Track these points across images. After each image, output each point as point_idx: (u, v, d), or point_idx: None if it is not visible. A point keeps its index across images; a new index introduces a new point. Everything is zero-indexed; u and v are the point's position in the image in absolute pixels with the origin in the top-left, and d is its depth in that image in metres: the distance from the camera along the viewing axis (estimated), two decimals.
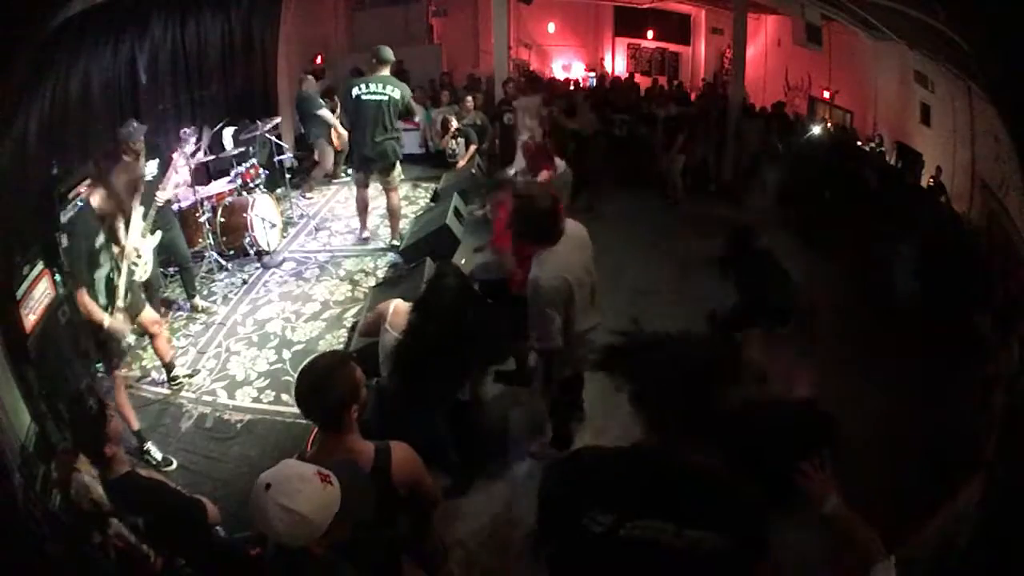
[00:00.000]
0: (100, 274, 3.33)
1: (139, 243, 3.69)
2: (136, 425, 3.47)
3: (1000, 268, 3.51)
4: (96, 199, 3.37)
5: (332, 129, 6.72)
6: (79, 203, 3.61)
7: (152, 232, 3.92)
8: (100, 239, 3.27)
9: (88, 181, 3.66)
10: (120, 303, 3.39)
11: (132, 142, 3.99)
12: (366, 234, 5.95)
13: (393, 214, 5.66)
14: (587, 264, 2.91)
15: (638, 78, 9.96)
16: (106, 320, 3.31)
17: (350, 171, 7.47)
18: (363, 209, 5.78)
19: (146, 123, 4.27)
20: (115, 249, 3.46)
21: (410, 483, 1.86)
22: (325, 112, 6.60)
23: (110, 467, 2.28)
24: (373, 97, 5.00)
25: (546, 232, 2.74)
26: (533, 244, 2.82)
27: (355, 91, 5.03)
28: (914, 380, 3.55)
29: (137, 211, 3.73)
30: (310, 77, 6.85)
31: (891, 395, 3.49)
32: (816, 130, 6.39)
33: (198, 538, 2.27)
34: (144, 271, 3.76)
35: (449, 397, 2.94)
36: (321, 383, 1.76)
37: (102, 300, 3.36)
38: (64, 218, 3.52)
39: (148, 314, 3.71)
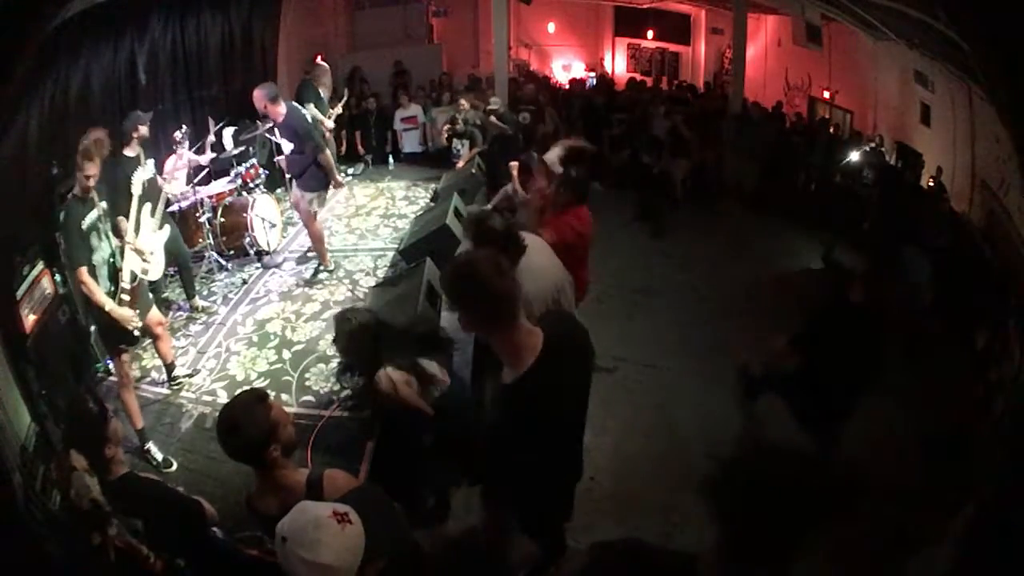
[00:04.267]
0: (99, 257, 3.30)
1: (150, 239, 3.67)
2: (140, 424, 3.47)
3: (1000, 269, 3.51)
4: (76, 184, 3.33)
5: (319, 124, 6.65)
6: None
7: (160, 228, 3.92)
8: (89, 218, 3.24)
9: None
10: (125, 285, 3.35)
11: (135, 127, 3.98)
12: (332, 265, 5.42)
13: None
14: (561, 276, 2.80)
15: (638, 78, 9.95)
16: (107, 304, 3.27)
17: (350, 171, 7.51)
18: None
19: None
20: (110, 229, 3.41)
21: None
22: (311, 108, 6.54)
23: (108, 468, 2.28)
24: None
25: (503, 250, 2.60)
26: None
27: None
28: (917, 382, 3.55)
29: (145, 208, 3.72)
30: (323, 65, 6.67)
31: (893, 397, 3.49)
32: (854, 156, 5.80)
33: (196, 538, 2.27)
34: (157, 270, 3.74)
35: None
36: (235, 424, 1.73)
37: (105, 285, 3.32)
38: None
39: (154, 315, 3.70)
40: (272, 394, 3.84)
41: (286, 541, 1.34)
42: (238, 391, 2.02)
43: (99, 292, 3.26)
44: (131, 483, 2.31)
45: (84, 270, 3.22)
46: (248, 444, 1.73)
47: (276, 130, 4.93)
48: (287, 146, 4.83)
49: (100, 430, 2.29)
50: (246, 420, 1.73)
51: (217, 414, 1.87)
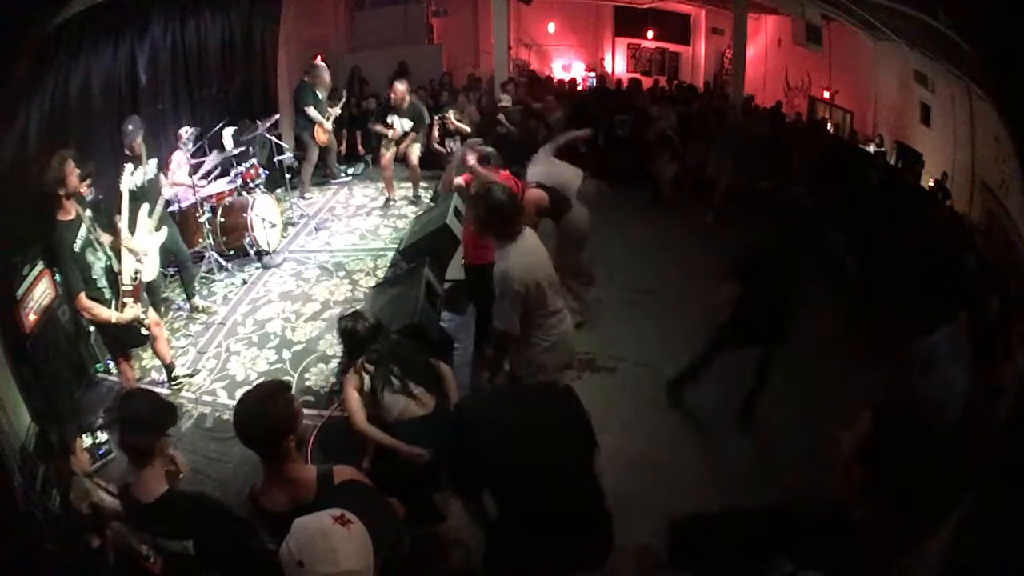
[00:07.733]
0: (98, 268, 3.30)
1: (145, 241, 3.66)
2: None
3: (1000, 269, 3.51)
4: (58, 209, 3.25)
5: (317, 126, 6.64)
6: None
7: (157, 230, 3.91)
8: (80, 237, 3.22)
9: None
10: (127, 288, 3.35)
11: (132, 141, 3.98)
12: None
13: None
14: (549, 265, 2.87)
15: (638, 78, 9.95)
16: (113, 316, 3.28)
17: (350, 171, 7.51)
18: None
19: (145, 122, 4.25)
20: (104, 238, 3.40)
21: None
22: (310, 110, 6.54)
23: (143, 478, 1.93)
24: None
25: (506, 225, 2.70)
26: (493, 238, 2.78)
27: None
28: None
29: (142, 208, 3.72)
30: (320, 65, 6.67)
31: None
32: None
33: (249, 549, 1.91)
34: (151, 271, 3.73)
35: None
36: (255, 414, 1.74)
37: (107, 294, 3.32)
38: None
39: (151, 315, 3.69)
40: None
41: (303, 565, 1.31)
42: (246, 387, 1.99)
43: (102, 310, 3.26)
44: (174, 502, 1.96)
45: (83, 296, 3.20)
46: (271, 430, 1.73)
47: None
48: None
49: (168, 420, 2.02)
50: (272, 406, 1.74)
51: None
